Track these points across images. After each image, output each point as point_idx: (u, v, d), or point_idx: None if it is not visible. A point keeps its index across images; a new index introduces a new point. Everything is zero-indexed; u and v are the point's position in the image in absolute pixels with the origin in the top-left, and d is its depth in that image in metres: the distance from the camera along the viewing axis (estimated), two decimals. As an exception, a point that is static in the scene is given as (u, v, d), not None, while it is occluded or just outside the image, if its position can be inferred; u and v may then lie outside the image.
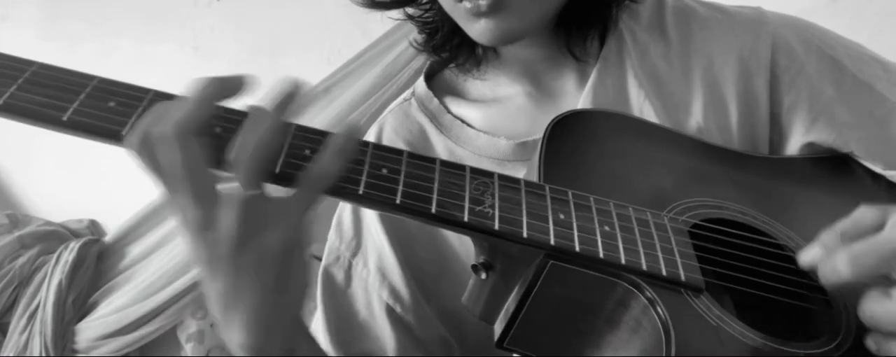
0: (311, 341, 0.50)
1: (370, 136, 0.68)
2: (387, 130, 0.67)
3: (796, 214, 0.53)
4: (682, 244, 0.45)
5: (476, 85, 0.67)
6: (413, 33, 0.68)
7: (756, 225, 0.50)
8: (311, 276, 0.46)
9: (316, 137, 0.42)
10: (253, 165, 0.39)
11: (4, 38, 2.17)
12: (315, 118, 1.68)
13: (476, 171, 0.44)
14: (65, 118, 0.40)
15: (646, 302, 0.42)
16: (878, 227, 0.41)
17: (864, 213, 0.42)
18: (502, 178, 0.44)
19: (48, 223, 2.06)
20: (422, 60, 0.71)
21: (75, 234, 2.05)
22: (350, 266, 0.66)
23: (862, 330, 0.43)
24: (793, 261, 0.48)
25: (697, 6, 0.64)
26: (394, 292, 0.64)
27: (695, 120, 0.59)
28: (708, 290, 0.44)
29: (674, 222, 0.47)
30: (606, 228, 0.44)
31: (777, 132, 0.60)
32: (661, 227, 0.46)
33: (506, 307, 0.45)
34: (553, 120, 0.52)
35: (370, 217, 0.65)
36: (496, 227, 0.41)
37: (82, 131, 0.40)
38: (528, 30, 0.55)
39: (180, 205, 0.40)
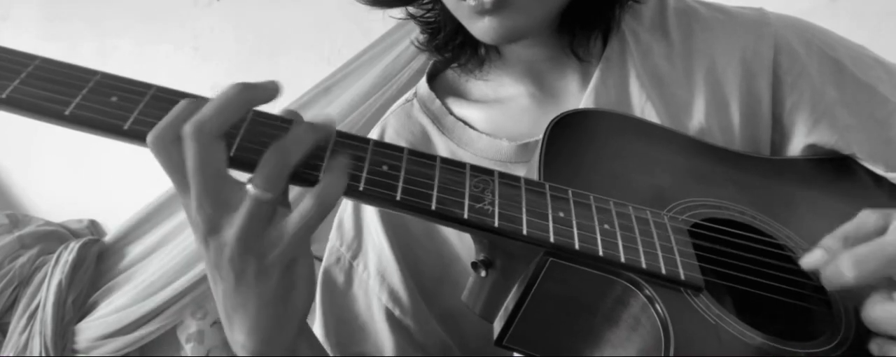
0: (315, 344, 0.50)
1: (372, 137, 0.68)
2: (389, 131, 0.67)
3: (797, 216, 0.53)
4: (682, 243, 0.45)
5: (478, 85, 0.67)
6: (414, 33, 0.68)
7: (756, 225, 0.50)
8: (315, 284, 0.46)
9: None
10: (278, 172, 0.39)
11: (4, 39, 2.16)
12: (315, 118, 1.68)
13: (476, 169, 0.44)
14: (67, 112, 0.40)
15: (645, 300, 0.42)
16: (881, 230, 0.41)
17: (866, 217, 0.42)
18: (502, 175, 0.44)
19: (48, 223, 2.06)
20: (422, 60, 0.71)
21: (75, 234, 2.05)
22: (351, 267, 0.66)
23: (862, 330, 0.43)
24: (792, 261, 0.48)
25: (699, 7, 0.64)
26: (393, 295, 0.64)
27: (697, 120, 0.59)
28: (707, 290, 0.44)
29: (674, 221, 0.47)
30: (606, 227, 0.44)
31: (779, 133, 0.60)
32: (661, 226, 0.46)
33: (505, 305, 0.46)
34: (553, 119, 0.52)
35: (371, 218, 0.65)
36: (496, 224, 0.41)
37: (85, 125, 0.40)
38: (532, 28, 0.55)
39: (190, 205, 0.40)
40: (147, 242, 1.88)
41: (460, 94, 0.68)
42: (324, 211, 0.40)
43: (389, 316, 0.64)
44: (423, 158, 0.43)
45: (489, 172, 0.44)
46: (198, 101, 0.40)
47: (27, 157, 2.24)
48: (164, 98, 0.41)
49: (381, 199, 0.41)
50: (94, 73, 0.42)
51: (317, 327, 0.67)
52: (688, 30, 0.62)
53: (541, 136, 0.51)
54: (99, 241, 1.94)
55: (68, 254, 1.85)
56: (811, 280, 0.47)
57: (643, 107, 0.59)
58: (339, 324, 0.66)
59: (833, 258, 0.41)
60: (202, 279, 1.72)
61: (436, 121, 0.66)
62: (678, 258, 0.44)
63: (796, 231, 0.51)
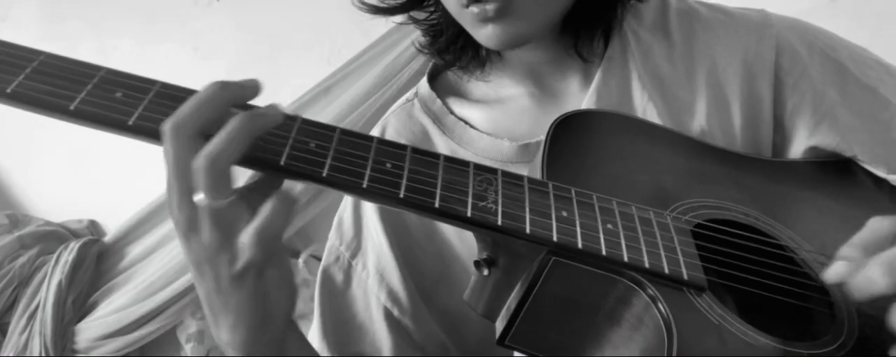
0: (302, 340, 0.50)
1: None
2: (389, 131, 0.67)
3: (799, 217, 0.53)
4: (685, 243, 0.45)
5: (479, 86, 0.67)
6: (415, 34, 0.68)
7: (758, 226, 0.50)
8: (298, 280, 0.45)
9: (322, 132, 0.42)
10: (211, 174, 0.38)
11: (4, 38, 2.16)
12: (315, 118, 1.68)
13: (479, 168, 0.44)
14: (72, 107, 0.40)
15: (648, 299, 0.42)
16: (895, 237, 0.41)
17: (878, 224, 0.41)
18: (505, 174, 0.45)
19: (48, 223, 2.06)
20: (422, 61, 0.71)
21: (75, 234, 2.05)
22: (350, 267, 0.66)
23: (865, 331, 0.43)
24: (794, 262, 0.48)
25: (701, 8, 0.64)
26: (392, 294, 0.64)
27: (698, 121, 0.59)
28: (710, 290, 0.44)
29: (676, 222, 0.47)
30: (609, 226, 0.44)
31: (780, 135, 0.60)
32: (664, 225, 0.46)
33: (508, 304, 0.46)
34: (556, 120, 0.52)
35: (371, 217, 0.65)
36: (499, 222, 0.41)
37: (90, 120, 0.40)
38: (535, 34, 0.55)
39: (172, 203, 0.40)
40: (147, 242, 1.88)
41: (461, 95, 0.68)
42: (282, 216, 0.39)
43: (388, 316, 0.64)
44: (426, 157, 0.44)
45: (492, 171, 0.44)
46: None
47: (27, 157, 2.23)
48: (169, 94, 0.41)
49: (384, 197, 0.41)
50: (98, 68, 0.42)
51: (315, 326, 0.67)
52: (689, 31, 0.62)
53: (542, 137, 0.51)
54: (99, 242, 1.93)
55: (68, 254, 1.85)
56: (813, 281, 0.47)
57: (645, 107, 0.59)
58: (337, 323, 0.66)
59: (858, 268, 0.40)
60: (202, 280, 1.71)
61: (437, 120, 0.66)
62: (681, 258, 0.44)
63: (798, 232, 0.51)
